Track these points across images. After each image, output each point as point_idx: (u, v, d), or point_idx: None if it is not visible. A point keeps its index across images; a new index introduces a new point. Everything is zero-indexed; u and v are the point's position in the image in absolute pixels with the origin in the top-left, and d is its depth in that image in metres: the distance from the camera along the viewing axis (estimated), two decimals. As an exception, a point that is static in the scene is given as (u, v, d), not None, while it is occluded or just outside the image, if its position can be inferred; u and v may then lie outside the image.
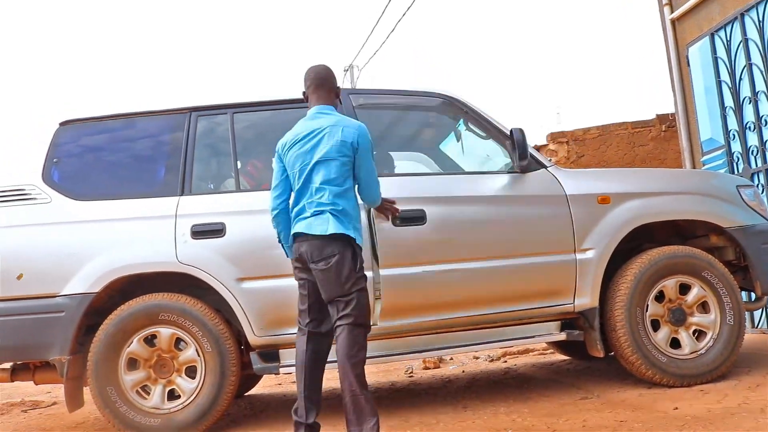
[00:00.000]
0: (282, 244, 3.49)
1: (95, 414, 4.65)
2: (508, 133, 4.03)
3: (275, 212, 3.40)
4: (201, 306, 3.87)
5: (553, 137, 9.01)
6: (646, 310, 4.07)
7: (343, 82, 14.00)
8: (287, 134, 3.41)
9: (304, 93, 3.53)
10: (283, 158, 3.39)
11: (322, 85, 3.47)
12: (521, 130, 3.96)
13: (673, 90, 7.42)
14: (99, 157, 4.22)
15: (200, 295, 3.94)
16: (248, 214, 3.95)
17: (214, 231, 3.90)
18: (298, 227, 3.29)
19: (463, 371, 6.04)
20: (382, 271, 3.78)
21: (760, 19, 6.05)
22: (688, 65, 7.18)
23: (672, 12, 7.37)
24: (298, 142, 3.33)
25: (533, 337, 4.15)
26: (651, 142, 9.20)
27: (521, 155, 3.97)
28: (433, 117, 4.47)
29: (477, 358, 6.82)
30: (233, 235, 3.92)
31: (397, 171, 4.50)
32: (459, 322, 4.02)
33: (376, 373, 6.21)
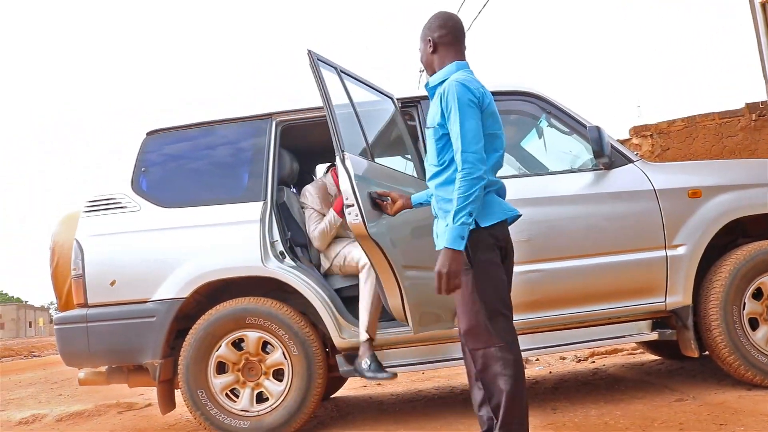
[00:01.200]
0: (464, 224, 2.52)
1: (187, 416, 4.76)
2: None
3: (482, 178, 2.57)
4: (287, 309, 3.91)
5: (636, 131, 8.74)
6: (743, 308, 3.89)
7: (419, 81, 13.96)
8: (475, 82, 2.73)
9: (432, 40, 2.86)
10: (482, 111, 2.67)
11: (462, 40, 2.92)
12: (597, 128, 3.84)
13: (765, 76, 7.10)
14: (184, 165, 4.32)
15: (285, 298, 3.99)
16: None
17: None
18: (509, 209, 2.78)
19: (550, 372, 5.92)
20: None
21: None
22: (780, 50, 6.87)
23: (761, -5, 7.07)
24: (493, 101, 2.75)
25: (623, 337, 4.02)
26: (740, 132, 8.80)
27: (599, 153, 3.85)
28: (514, 114, 4.39)
29: (564, 358, 6.68)
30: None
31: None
32: (546, 323, 3.94)
33: (460, 374, 6.15)
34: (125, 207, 4.15)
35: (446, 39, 2.84)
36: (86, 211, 4.20)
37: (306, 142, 4.67)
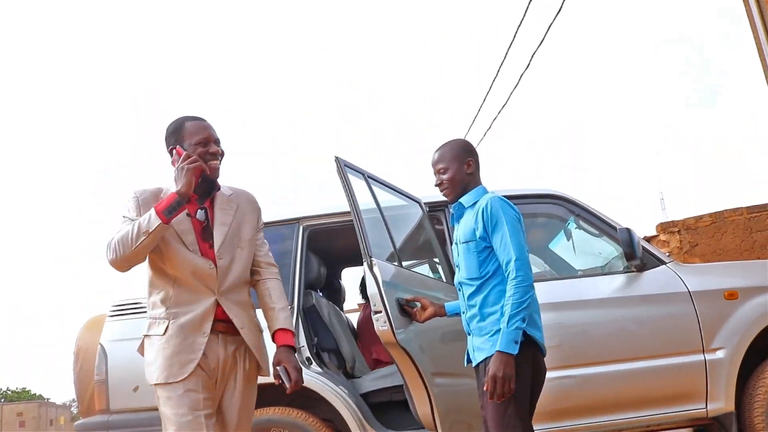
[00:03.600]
0: (518, 328, 2.60)
1: None
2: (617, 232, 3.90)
3: (533, 286, 2.69)
4: (313, 420, 3.80)
5: (663, 227, 8.68)
6: (790, 416, 3.72)
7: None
8: (509, 201, 2.86)
9: (472, 161, 2.95)
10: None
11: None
12: (628, 230, 3.81)
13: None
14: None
15: (312, 405, 3.88)
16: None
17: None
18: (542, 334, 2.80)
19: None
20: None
21: None
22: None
23: (783, 93, 7.10)
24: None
25: (664, 446, 3.85)
26: (770, 226, 8.71)
27: (630, 255, 3.81)
28: (542, 216, 4.38)
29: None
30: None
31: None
32: (580, 431, 3.79)
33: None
34: (150, 311, 4.12)
35: (477, 164, 2.97)
36: (111, 315, 4.18)
37: (334, 247, 4.67)
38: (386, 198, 3.80)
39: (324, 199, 4.46)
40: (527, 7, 8.32)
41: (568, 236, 4.39)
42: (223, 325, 2.62)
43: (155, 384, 2.57)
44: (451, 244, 3.37)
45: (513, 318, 2.58)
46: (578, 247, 4.42)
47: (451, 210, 3.04)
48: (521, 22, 8.62)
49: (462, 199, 2.94)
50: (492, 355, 2.61)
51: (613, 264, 4.22)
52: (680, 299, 3.89)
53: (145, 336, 2.64)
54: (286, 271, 4.11)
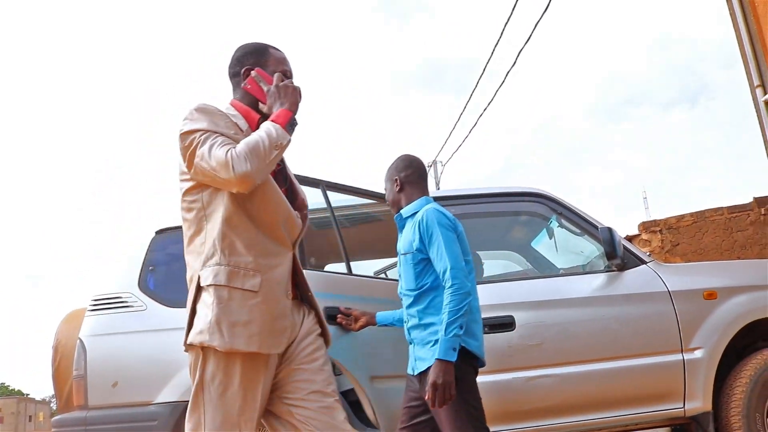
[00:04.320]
0: (456, 335, 2.65)
1: None
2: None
3: (470, 293, 2.74)
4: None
5: (645, 226, 8.74)
6: (767, 416, 3.76)
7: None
8: (445, 211, 2.95)
9: (398, 179, 3.08)
10: (457, 236, 2.88)
11: (426, 178, 3.18)
12: (609, 229, 3.83)
13: (773, 174, 7.12)
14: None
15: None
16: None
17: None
18: (481, 344, 2.88)
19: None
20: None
21: None
22: (787, 148, 6.90)
23: (765, 94, 7.16)
24: (463, 230, 2.95)
25: (642, 445, 3.88)
26: (750, 226, 8.79)
27: (611, 254, 3.83)
28: (525, 215, 4.38)
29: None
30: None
31: (486, 274, 4.42)
32: (560, 430, 3.79)
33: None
34: (131, 306, 4.08)
35: (412, 177, 3.08)
36: (91, 310, 4.13)
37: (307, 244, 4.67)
38: (358, 201, 3.86)
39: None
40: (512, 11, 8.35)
41: (551, 235, 4.40)
42: (294, 289, 2.27)
43: (235, 350, 2.06)
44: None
45: (450, 326, 2.63)
46: (560, 245, 4.43)
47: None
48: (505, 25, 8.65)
49: (402, 210, 3.06)
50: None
51: (594, 263, 4.23)
52: (660, 299, 3.90)
53: (220, 286, 2.13)
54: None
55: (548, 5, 7.93)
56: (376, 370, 3.35)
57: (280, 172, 2.30)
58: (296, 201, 2.32)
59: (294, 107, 2.16)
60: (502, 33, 8.93)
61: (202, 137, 2.09)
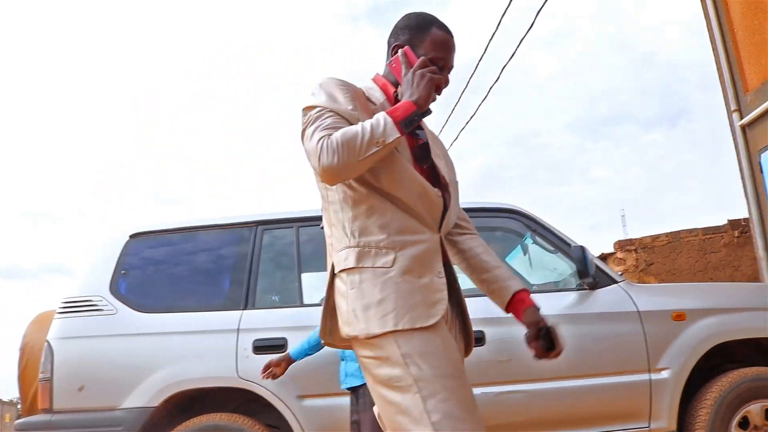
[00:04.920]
0: None
1: None
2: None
3: None
4: (257, 426, 3.76)
5: (621, 245, 8.82)
6: (731, 438, 3.79)
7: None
8: None
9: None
10: None
11: None
12: (582, 248, 3.86)
13: (746, 197, 7.21)
14: (165, 270, 4.26)
15: (260, 411, 3.85)
16: (310, 329, 3.88)
17: (276, 346, 3.85)
18: None
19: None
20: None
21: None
22: (762, 172, 7.00)
23: (741, 118, 7.26)
24: None
25: (607, 463, 3.90)
26: (723, 248, 8.90)
27: (582, 273, 3.86)
28: (499, 231, 4.41)
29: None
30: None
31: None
32: (525, 447, 3.82)
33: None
34: (101, 309, 4.05)
35: None
36: (61, 312, 4.09)
37: (291, 251, 4.64)
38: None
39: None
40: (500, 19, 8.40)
41: (525, 251, 4.42)
42: (447, 273, 2.01)
43: (389, 332, 1.82)
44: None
45: None
46: (534, 262, 4.45)
47: None
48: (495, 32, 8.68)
49: None
50: (365, 383, 2.74)
51: (567, 281, 4.26)
52: (629, 319, 3.93)
53: (350, 269, 1.92)
54: (240, 274, 4.10)
55: (533, 23, 7.99)
56: (306, 388, 3.62)
57: (421, 147, 2.08)
58: (438, 179, 2.09)
59: (422, 101, 1.92)
60: (485, 49, 8.99)
61: (315, 115, 1.92)
